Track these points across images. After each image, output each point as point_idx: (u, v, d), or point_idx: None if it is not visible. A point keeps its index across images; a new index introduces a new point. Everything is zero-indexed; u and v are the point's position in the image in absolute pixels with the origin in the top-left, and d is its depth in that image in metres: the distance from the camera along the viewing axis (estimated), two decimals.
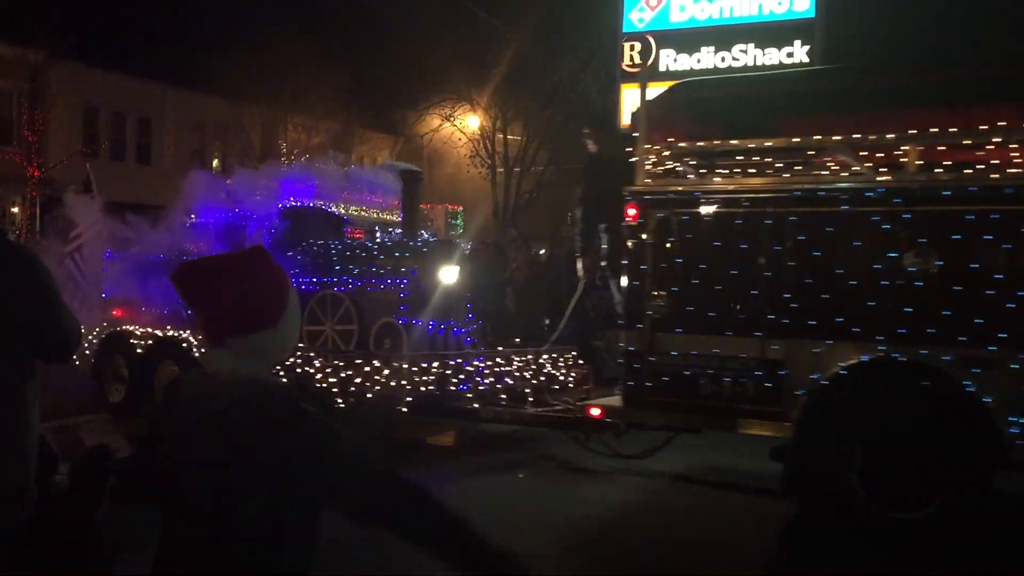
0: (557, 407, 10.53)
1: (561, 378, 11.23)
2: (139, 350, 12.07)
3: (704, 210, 8.32)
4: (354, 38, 32.43)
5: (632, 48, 26.27)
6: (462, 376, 10.28)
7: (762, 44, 24.89)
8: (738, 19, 25.21)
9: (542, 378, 11.04)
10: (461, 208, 36.69)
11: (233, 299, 2.58)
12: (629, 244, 8.58)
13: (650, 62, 26.52)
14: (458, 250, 11.37)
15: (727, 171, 8.68)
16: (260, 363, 2.63)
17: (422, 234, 12.41)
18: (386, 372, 9.95)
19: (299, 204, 12.45)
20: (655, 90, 8.96)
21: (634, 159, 8.81)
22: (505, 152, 32.74)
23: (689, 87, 9.46)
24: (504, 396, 10.77)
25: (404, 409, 10.00)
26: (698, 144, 8.60)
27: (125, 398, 12.20)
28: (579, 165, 32.76)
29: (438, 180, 32.71)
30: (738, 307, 8.18)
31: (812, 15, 24.50)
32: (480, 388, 10.39)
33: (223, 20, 31.52)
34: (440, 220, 37.27)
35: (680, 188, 8.53)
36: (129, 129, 34.39)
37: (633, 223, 8.54)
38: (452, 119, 32.82)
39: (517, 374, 10.83)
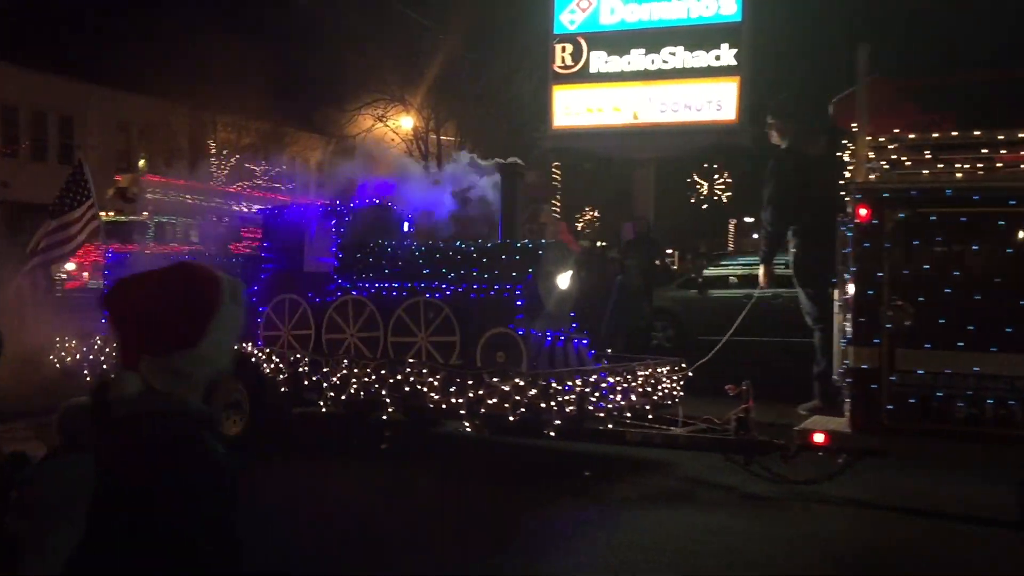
0: (692, 425, 8.88)
1: (673, 392, 9.54)
2: None
3: (959, 209, 6.73)
4: (284, 37, 30.02)
5: (563, 50, 25.18)
6: (597, 394, 8.46)
7: (691, 47, 24.13)
8: (667, 22, 24.34)
9: (660, 392, 9.33)
10: None
11: (145, 315, 2.34)
12: (859, 248, 6.93)
13: (581, 64, 25.63)
14: (571, 252, 9.53)
15: (964, 164, 7.08)
16: (180, 384, 2.34)
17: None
18: (532, 392, 8.04)
19: (367, 201, 10.35)
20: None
21: (842, 153, 7.20)
22: (439, 153, 30.89)
23: (911, 71, 7.85)
24: (629, 415, 9.04)
25: (552, 434, 8.13)
26: (934, 136, 7.02)
27: None
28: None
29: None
30: (1004, 319, 6.61)
31: (739, 19, 23.87)
32: (609, 406, 8.58)
33: (146, 17, 28.66)
34: None
35: (927, 185, 6.90)
36: (50, 129, 30.80)
37: (865, 224, 6.90)
38: (385, 119, 30.74)
39: (640, 389, 9.08)
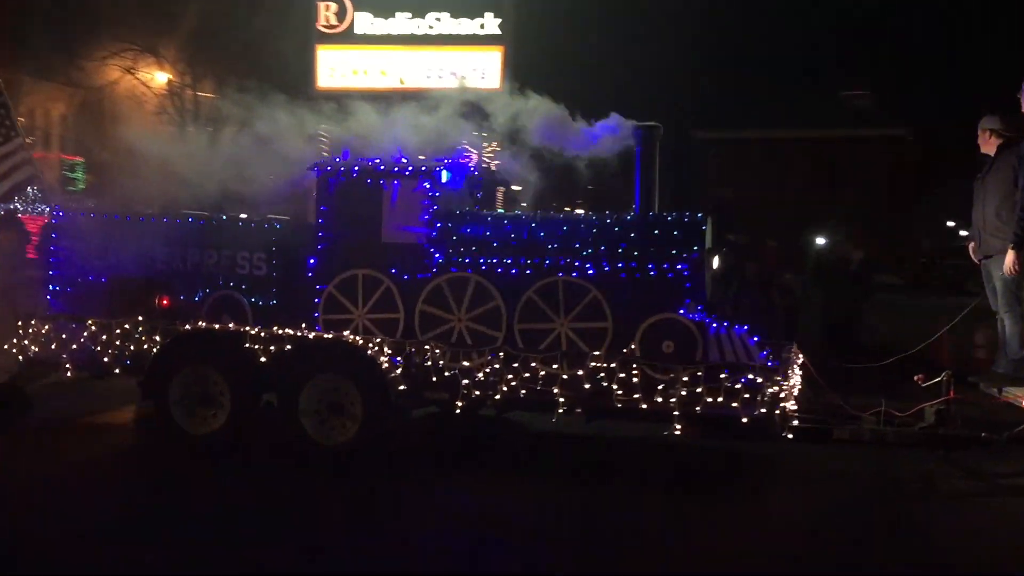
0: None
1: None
2: (262, 359, 7.56)
3: None
4: None
5: (327, 8, 24.16)
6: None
7: (456, 14, 23.58)
8: None
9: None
10: (82, 159, 30.33)
11: None
12: None
13: (346, 24, 24.63)
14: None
15: None
16: None
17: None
18: (772, 390, 6.85)
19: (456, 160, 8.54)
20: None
21: None
22: (196, 110, 27.80)
23: None
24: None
25: (790, 436, 6.98)
26: None
27: (225, 426, 7.61)
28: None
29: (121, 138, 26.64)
30: None
31: None
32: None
33: None
34: (52, 172, 30.48)
35: None
36: None
37: None
38: (135, 71, 27.18)
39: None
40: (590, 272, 7.78)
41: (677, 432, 7.02)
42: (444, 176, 8.14)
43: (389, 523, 6.14)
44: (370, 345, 7.46)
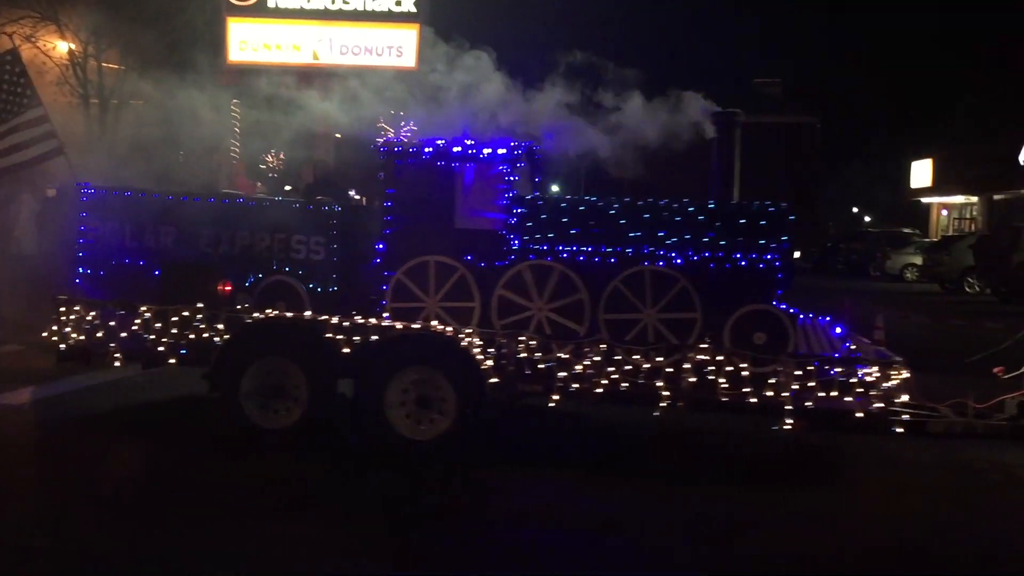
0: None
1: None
2: (344, 350, 7.09)
3: None
4: None
5: None
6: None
7: None
8: None
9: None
10: None
11: None
12: None
13: None
14: None
15: None
16: None
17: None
18: (887, 385, 6.75)
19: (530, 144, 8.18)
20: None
21: None
22: (100, 82, 26.37)
23: None
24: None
25: (899, 430, 6.89)
26: None
27: (300, 420, 7.11)
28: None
29: None
30: None
31: None
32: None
33: None
34: None
35: None
36: None
37: None
38: (34, 40, 25.61)
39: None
40: (678, 261, 7.58)
41: (787, 427, 6.84)
42: (526, 159, 7.79)
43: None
44: (461, 336, 7.07)
